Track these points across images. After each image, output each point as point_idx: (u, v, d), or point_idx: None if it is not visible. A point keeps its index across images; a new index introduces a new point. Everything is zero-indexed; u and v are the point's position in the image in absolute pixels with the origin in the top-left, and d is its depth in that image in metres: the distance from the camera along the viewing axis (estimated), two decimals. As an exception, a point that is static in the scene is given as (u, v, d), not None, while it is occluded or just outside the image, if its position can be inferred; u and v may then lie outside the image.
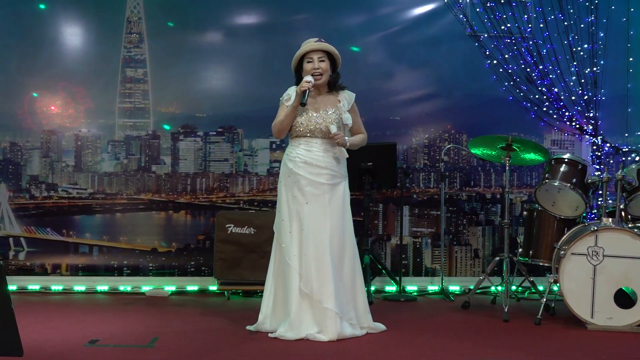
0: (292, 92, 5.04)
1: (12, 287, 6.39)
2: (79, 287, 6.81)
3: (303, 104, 4.88)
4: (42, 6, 6.92)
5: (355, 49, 7.05)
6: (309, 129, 5.00)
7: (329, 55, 5.05)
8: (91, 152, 7.10)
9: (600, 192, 5.68)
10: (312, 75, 4.97)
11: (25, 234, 6.99)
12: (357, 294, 5.07)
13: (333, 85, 5.11)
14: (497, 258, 6.08)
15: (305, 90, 4.87)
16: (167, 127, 7.12)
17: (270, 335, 4.93)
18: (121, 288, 6.83)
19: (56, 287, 6.80)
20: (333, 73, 5.10)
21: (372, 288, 6.50)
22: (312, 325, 4.85)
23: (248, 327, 5.13)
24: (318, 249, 4.90)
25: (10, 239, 6.98)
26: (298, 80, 5.09)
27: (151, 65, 7.09)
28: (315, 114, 5.01)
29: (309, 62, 5.02)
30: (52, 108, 7.03)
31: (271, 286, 5.11)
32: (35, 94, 6.97)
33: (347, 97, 5.12)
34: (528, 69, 6.95)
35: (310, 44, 5.04)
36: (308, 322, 4.86)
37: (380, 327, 5.14)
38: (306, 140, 5.02)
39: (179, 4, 7.06)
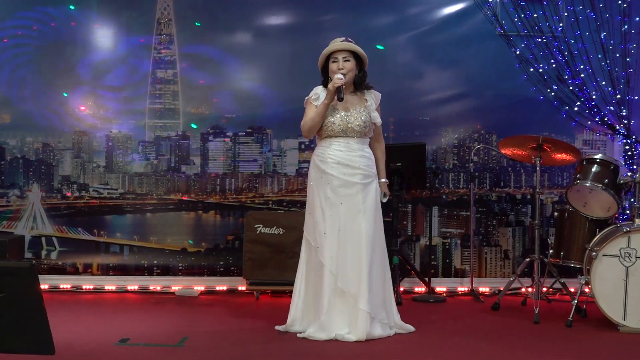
0: (320, 92, 5.04)
1: (44, 286, 6.45)
2: (110, 287, 6.86)
3: (340, 99, 4.87)
4: (72, 7, 6.99)
5: (380, 47, 7.02)
6: (341, 129, 4.98)
7: (355, 54, 5.03)
8: (122, 153, 7.17)
9: (633, 192, 5.60)
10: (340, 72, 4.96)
11: (57, 233, 7.06)
12: (387, 293, 5.05)
13: (359, 85, 5.09)
14: (528, 259, 6.03)
15: (340, 87, 4.86)
16: (194, 125, 7.16)
17: (299, 335, 4.93)
18: (151, 287, 6.87)
19: (87, 286, 6.86)
20: (360, 72, 5.08)
21: (401, 289, 6.48)
22: (343, 325, 4.84)
23: (277, 327, 5.13)
24: (354, 249, 4.89)
25: (43, 239, 7.06)
26: (325, 79, 5.09)
27: (181, 66, 7.14)
28: (345, 114, 5.00)
29: (334, 61, 5.01)
30: (83, 109, 7.11)
31: (300, 288, 5.10)
32: (66, 95, 7.05)
33: (373, 97, 5.11)
34: (559, 69, 6.88)
35: (335, 43, 5.04)
36: (339, 323, 4.85)
37: (409, 328, 5.12)
38: (338, 141, 5.00)
39: (208, 5, 7.08)
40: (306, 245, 5.10)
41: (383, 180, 5.19)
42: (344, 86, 4.91)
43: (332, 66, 5.01)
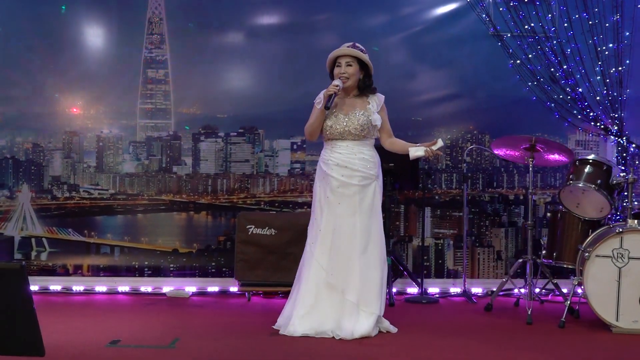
0: (322, 95, 5.12)
1: (34, 288, 6.41)
2: (100, 288, 6.82)
3: (327, 108, 4.97)
4: (63, 7, 6.94)
5: (375, 48, 6.99)
6: (338, 132, 5.07)
7: (359, 60, 5.10)
8: (112, 153, 7.12)
9: (626, 193, 5.60)
10: (340, 79, 5.05)
11: (47, 234, 7.02)
12: (383, 288, 5.08)
13: (364, 89, 5.17)
14: (521, 260, 6.03)
15: (331, 95, 4.96)
16: (186, 127, 7.13)
17: (282, 331, 4.97)
18: (142, 289, 6.84)
19: (77, 288, 6.82)
20: (365, 77, 5.14)
21: (394, 290, 6.46)
22: (331, 320, 4.91)
23: (274, 326, 5.10)
24: (348, 248, 4.99)
25: (33, 240, 7.01)
26: (332, 81, 5.16)
27: (172, 66, 7.10)
28: (344, 117, 5.08)
29: (337, 66, 5.12)
30: (74, 109, 7.06)
31: (297, 283, 5.14)
32: (57, 95, 7.00)
33: (376, 100, 5.21)
34: (552, 69, 6.86)
35: (340, 49, 5.13)
36: (327, 317, 4.92)
37: (392, 328, 5.14)
38: (337, 143, 5.10)
39: (200, 4, 7.05)
40: (307, 242, 5.16)
41: (418, 144, 5.11)
42: (338, 93, 4.99)
43: (336, 70, 5.13)
